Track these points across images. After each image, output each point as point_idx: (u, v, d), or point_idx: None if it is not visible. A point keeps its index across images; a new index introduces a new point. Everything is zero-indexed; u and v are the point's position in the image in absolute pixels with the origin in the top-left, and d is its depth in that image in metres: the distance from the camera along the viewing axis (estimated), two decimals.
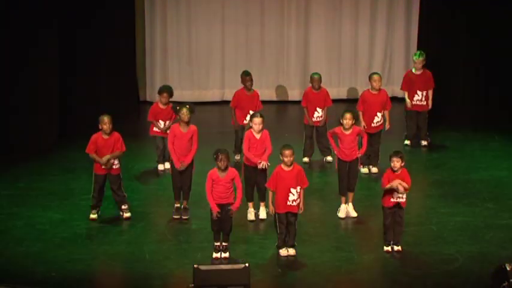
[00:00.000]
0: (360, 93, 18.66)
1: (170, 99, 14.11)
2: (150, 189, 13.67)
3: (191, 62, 18.45)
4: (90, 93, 16.69)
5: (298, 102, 18.52)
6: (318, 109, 14.45)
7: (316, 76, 14.45)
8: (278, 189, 11.02)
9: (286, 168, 11.03)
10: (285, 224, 11.11)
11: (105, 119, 12.24)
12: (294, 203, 11.04)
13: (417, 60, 15.14)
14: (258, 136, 12.13)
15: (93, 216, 12.27)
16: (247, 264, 9.96)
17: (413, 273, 10.79)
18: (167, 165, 13.91)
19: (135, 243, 11.72)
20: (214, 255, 11.16)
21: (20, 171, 14.21)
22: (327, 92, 14.63)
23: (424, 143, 15.43)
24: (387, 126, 14.07)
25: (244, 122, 14.18)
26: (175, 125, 12.39)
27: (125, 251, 11.46)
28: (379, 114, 13.86)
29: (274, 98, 18.60)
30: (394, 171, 11.13)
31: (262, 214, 12.32)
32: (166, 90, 14.20)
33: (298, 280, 10.75)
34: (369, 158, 13.92)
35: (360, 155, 12.48)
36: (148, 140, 14.68)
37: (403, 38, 18.65)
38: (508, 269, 9.89)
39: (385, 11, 18.54)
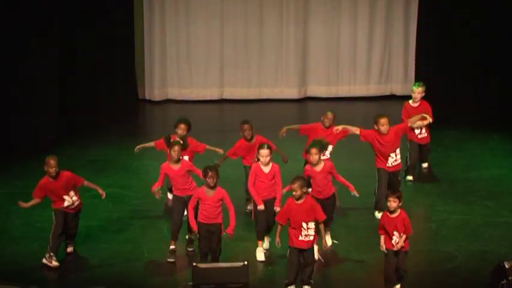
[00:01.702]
0: (357, 92, 18.88)
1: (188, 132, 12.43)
2: (149, 188, 13.60)
3: (190, 60, 18.46)
4: (90, 92, 16.71)
5: (296, 101, 18.59)
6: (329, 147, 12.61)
7: (331, 114, 12.69)
8: (291, 223, 10.24)
9: (296, 202, 10.21)
10: (297, 261, 10.22)
11: (51, 161, 10.87)
12: (306, 238, 10.15)
13: (416, 90, 13.85)
14: (266, 170, 11.12)
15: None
16: (246, 262, 9.95)
17: (412, 271, 10.77)
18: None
19: (133, 241, 11.72)
20: None
21: (19, 170, 14.21)
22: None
23: (424, 165, 14.30)
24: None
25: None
26: (166, 164, 11.25)
27: (124, 249, 11.46)
28: (392, 155, 12.35)
29: (273, 97, 18.60)
30: (390, 212, 10.14)
31: (265, 244, 11.36)
32: (184, 121, 12.44)
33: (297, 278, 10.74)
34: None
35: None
36: (148, 138, 14.64)
37: (402, 36, 18.67)
38: (506, 266, 9.90)
39: (384, 9, 18.55)
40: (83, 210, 12.35)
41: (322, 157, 11.44)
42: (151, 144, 12.57)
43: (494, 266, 10.15)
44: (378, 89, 18.85)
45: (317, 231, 10.32)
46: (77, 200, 11.10)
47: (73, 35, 16.16)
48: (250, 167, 11.82)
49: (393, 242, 10.11)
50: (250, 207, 12.12)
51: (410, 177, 13.94)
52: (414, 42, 18.25)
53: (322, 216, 10.27)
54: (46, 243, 11.29)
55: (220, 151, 12.56)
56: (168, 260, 11.15)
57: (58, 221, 10.95)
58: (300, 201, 10.19)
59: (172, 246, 11.20)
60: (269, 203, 11.19)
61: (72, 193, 11.05)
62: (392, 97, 18.56)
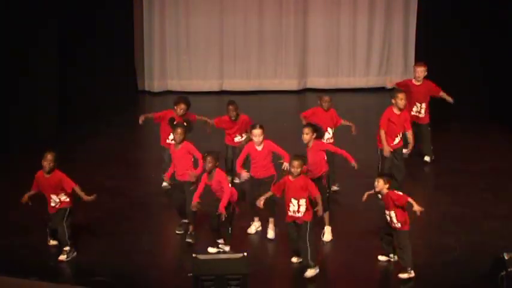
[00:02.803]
0: (357, 84, 18.87)
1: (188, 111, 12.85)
2: (149, 179, 13.67)
3: (189, 52, 18.45)
4: (89, 84, 16.70)
5: (296, 92, 18.58)
6: (328, 130, 12.84)
7: (327, 97, 13.00)
8: (285, 198, 10.67)
9: (291, 178, 10.61)
10: (293, 235, 10.69)
11: (48, 156, 10.95)
12: (294, 214, 10.58)
13: (419, 70, 14.20)
14: (259, 148, 11.55)
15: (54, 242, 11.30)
16: (246, 254, 9.96)
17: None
18: None
19: (134, 233, 11.73)
20: (211, 250, 11.11)
21: (19, 162, 14.21)
22: (335, 112, 13.09)
23: (427, 158, 14.46)
24: (410, 148, 12.92)
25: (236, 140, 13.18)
26: (172, 145, 11.76)
27: (124, 241, 11.46)
28: (399, 136, 12.79)
29: (273, 88, 18.60)
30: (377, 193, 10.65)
31: (270, 234, 11.61)
32: (184, 101, 12.84)
33: (297, 270, 10.76)
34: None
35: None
36: (147, 130, 14.66)
37: (401, 28, 18.66)
38: (506, 258, 9.91)
39: (383, 1, 18.53)
40: (83, 202, 12.42)
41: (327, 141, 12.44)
42: (152, 115, 13.09)
43: (494, 258, 10.16)
44: (377, 81, 18.83)
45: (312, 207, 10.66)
46: (66, 199, 11.02)
47: (73, 27, 16.13)
48: (230, 146, 13.07)
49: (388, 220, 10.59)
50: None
51: (405, 150, 13.65)
52: (414, 34, 18.24)
53: (316, 192, 10.58)
54: (45, 235, 11.35)
55: (210, 122, 13.12)
56: (177, 231, 11.60)
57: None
58: (295, 179, 10.53)
59: (184, 220, 11.58)
60: (264, 183, 11.40)
61: (62, 194, 11.00)
62: (392, 89, 18.54)
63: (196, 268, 9.84)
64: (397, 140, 12.76)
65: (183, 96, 13.13)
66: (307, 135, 11.42)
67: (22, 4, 14.67)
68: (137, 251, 11.15)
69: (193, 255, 9.96)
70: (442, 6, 17.19)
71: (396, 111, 12.68)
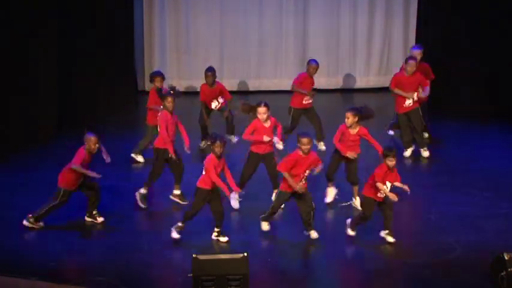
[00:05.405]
0: (357, 84, 18.88)
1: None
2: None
3: (189, 52, 18.45)
4: (89, 83, 16.69)
5: None
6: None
7: (315, 64, 14.62)
8: (292, 172, 11.07)
9: (303, 155, 11.08)
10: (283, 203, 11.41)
11: (93, 139, 11.57)
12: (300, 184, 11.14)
13: (415, 52, 14.66)
14: (266, 125, 12.10)
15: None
16: (245, 254, 9.96)
17: (411, 262, 10.80)
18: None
19: (133, 232, 11.74)
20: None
21: (19, 161, 14.21)
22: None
23: (425, 135, 15.04)
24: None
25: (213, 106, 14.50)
26: (166, 112, 12.25)
27: (123, 240, 11.46)
28: (415, 95, 14.20)
29: (273, 88, 18.59)
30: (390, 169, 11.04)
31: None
32: (159, 74, 14.48)
33: (297, 270, 10.76)
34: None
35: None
36: (146, 129, 14.65)
37: (401, 27, 18.66)
38: (506, 258, 9.91)
39: (383, 1, 18.53)
40: (81, 201, 12.42)
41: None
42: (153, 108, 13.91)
43: (494, 258, 10.16)
44: (377, 81, 18.84)
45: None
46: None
47: (72, 25, 16.13)
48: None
49: (383, 190, 10.92)
50: (202, 144, 14.33)
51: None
52: (414, 34, 18.24)
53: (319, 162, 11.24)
54: (46, 235, 11.36)
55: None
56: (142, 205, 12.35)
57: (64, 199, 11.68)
58: (306, 155, 11.05)
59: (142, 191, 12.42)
60: (269, 156, 12.10)
61: None
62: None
63: (196, 268, 9.84)
64: (408, 101, 14.12)
65: (157, 71, 14.81)
66: (349, 120, 11.94)
67: (22, 4, 14.66)
68: (137, 251, 11.15)
69: (193, 255, 9.95)
70: (442, 7, 17.20)
71: (406, 74, 14.12)
